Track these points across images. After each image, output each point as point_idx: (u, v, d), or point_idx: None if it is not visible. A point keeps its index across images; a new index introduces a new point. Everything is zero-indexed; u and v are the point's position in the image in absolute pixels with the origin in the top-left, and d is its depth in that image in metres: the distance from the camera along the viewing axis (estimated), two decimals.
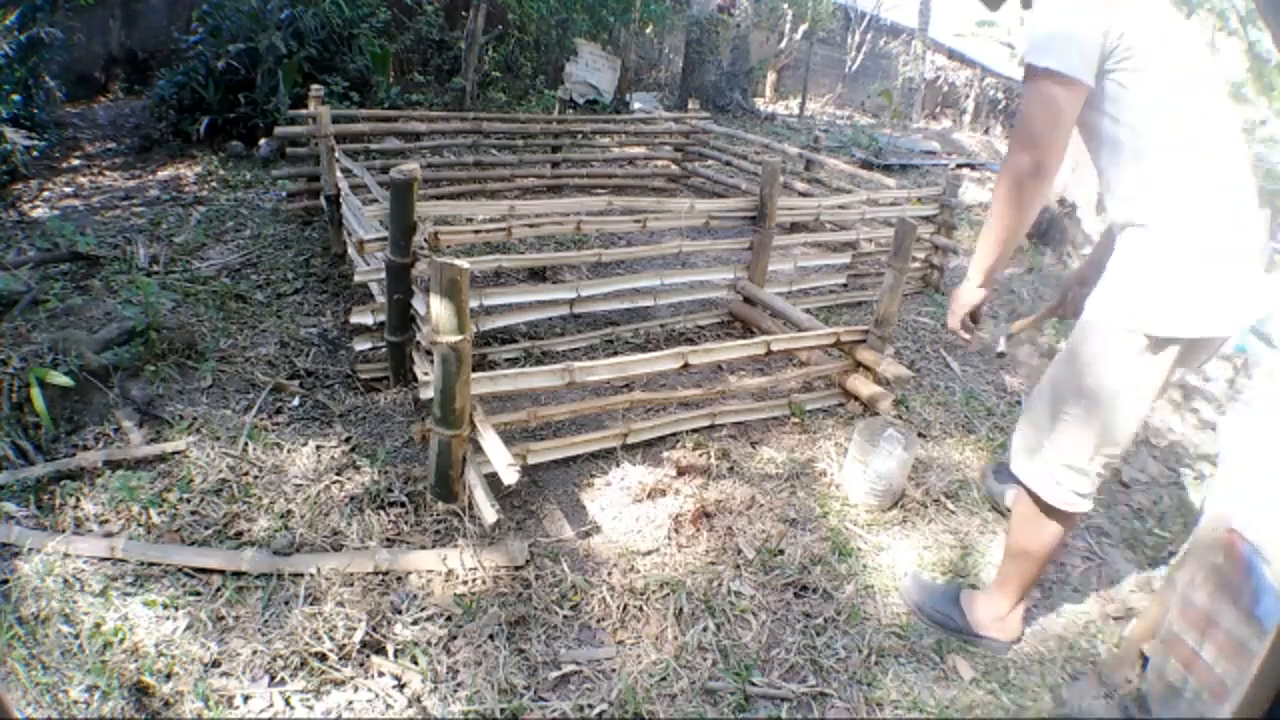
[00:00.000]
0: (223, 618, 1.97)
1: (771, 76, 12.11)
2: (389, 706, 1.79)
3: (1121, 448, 1.83)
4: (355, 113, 5.38)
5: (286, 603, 2.02)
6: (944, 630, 2.14)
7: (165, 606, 1.97)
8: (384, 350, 3.02)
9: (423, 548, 2.25)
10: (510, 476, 2.13)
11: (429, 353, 2.32)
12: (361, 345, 3.06)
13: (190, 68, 6.08)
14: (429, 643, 1.95)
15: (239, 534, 2.25)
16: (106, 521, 2.26)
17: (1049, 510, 1.91)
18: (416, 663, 1.90)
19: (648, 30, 10.77)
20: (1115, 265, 1.76)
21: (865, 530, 2.51)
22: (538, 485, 2.57)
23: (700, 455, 2.72)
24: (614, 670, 1.93)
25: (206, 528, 2.26)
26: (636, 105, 9.32)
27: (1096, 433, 1.79)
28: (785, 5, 11.68)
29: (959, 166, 8.21)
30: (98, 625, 1.88)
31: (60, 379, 2.58)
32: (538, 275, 4.02)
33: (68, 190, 5.19)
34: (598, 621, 2.08)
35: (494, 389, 2.36)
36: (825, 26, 12.46)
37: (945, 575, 2.37)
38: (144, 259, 3.95)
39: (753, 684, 1.92)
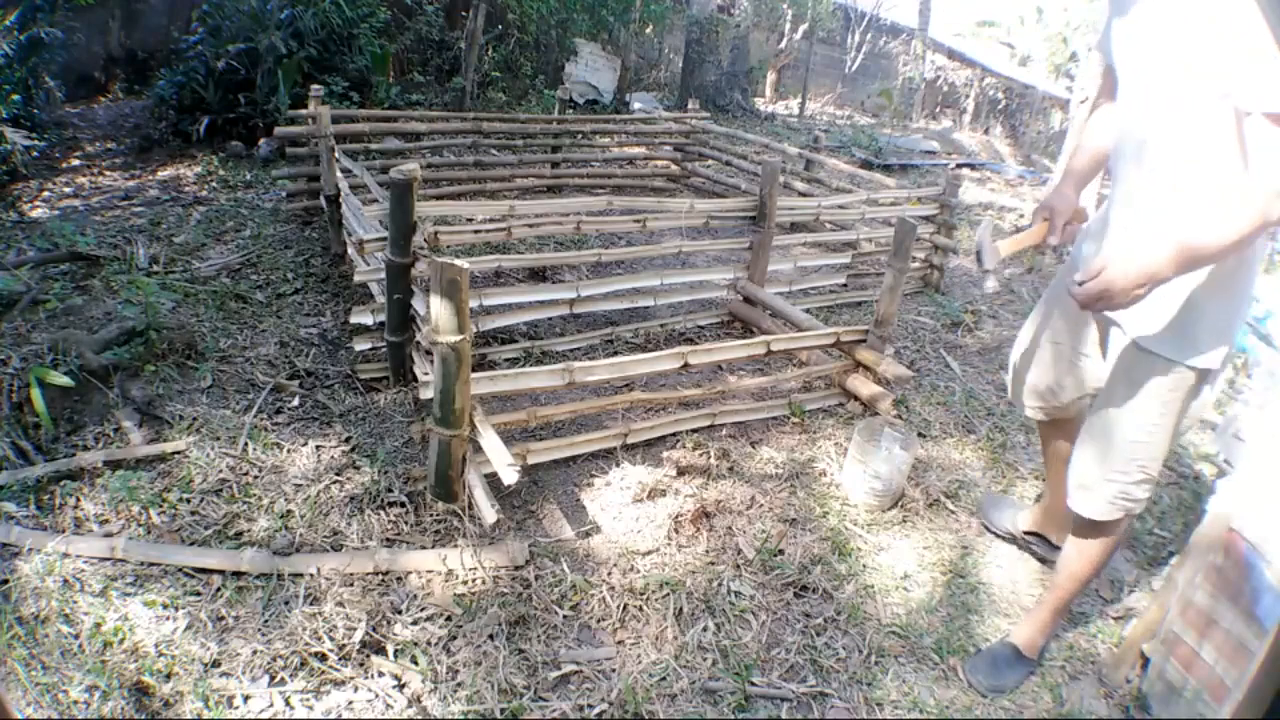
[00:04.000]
0: (223, 618, 1.97)
1: (771, 76, 12.11)
2: (389, 706, 1.79)
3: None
4: (355, 113, 5.38)
5: (286, 603, 2.02)
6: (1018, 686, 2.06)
7: (165, 606, 1.97)
8: (384, 350, 3.02)
9: (423, 548, 2.25)
10: (510, 476, 2.13)
11: (429, 353, 2.32)
12: (361, 345, 3.06)
13: (190, 68, 6.07)
14: (429, 643, 1.95)
15: (239, 534, 2.25)
16: (106, 521, 2.26)
17: (1112, 532, 1.92)
18: (416, 663, 1.90)
19: (648, 30, 10.76)
20: (1177, 311, 1.69)
21: (865, 530, 2.51)
22: (538, 485, 2.57)
23: (700, 455, 2.72)
24: (614, 670, 1.93)
25: (206, 528, 2.26)
26: (636, 105, 9.32)
27: (1164, 450, 1.84)
28: (785, 5, 11.68)
29: (959, 166, 8.22)
30: (98, 625, 1.88)
31: (60, 379, 2.58)
32: (538, 275, 4.02)
33: (68, 190, 5.19)
34: (598, 621, 2.08)
35: (494, 389, 2.36)
36: (825, 26, 12.47)
37: (945, 575, 2.37)
38: (144, 259, 3.95)
39: (753, 684, 1.92)
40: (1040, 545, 2.45)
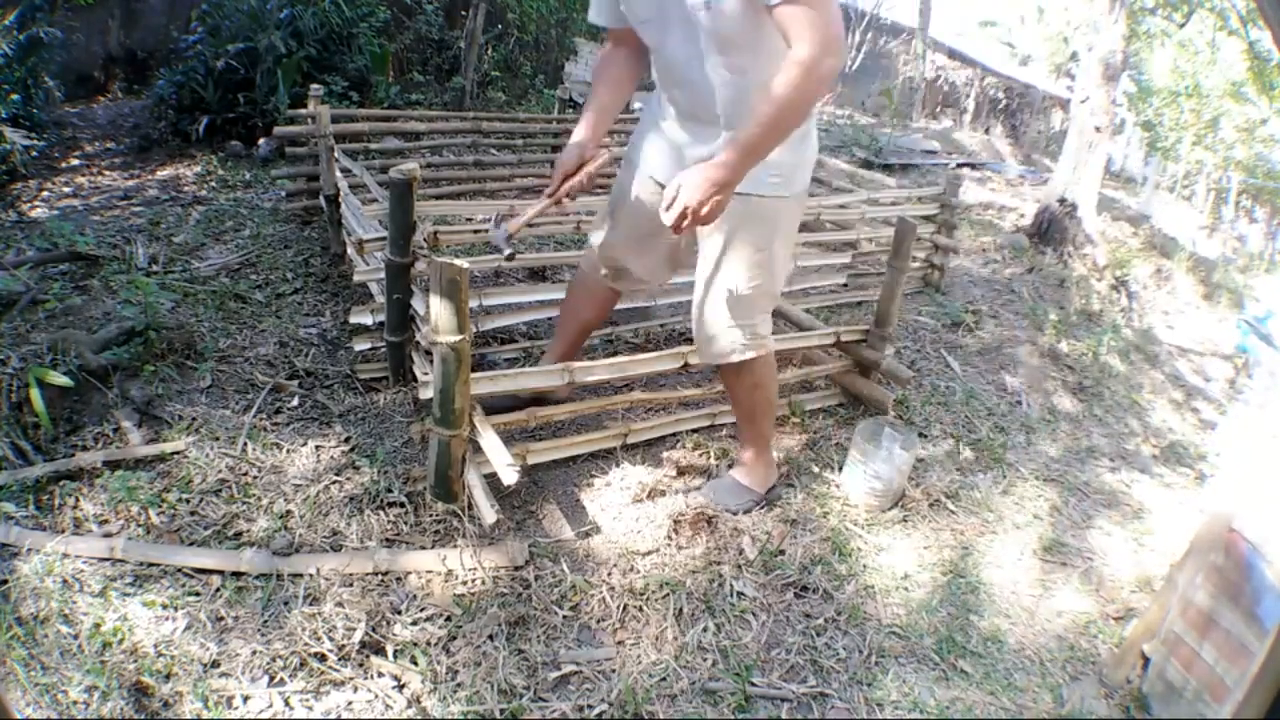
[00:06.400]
0: (222, 618, 1.96)
1: None
2: (388, 707, 1.79)
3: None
4: (354, 112, 5.37)
5: (286, 603, 2.02)
6: (752, 510, 2.49)
7: (164, 607, 1.96)
8: (383, 350, 3.01)
9: (422, 548, 2.25)
10: (510, 477, 2.13)
11: (428, 353, 2.31)
12: (361, 345, 3.05)
13: (189, 67, 6.06)
14: (428, 643, 1.95)
15: (238, 534, 2.25)
16: (106, 522, 2.26)
17: (769, 362, 2.30)
18: (416, 663, 1.89)
19: None
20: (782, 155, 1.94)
21: (865, 530, 2.51)
22: (537, 485, 2.56)
23: (700, 455, 2.72)
24: (614, 671, 1.93)
25: (206, 528, 2.25)
26: (636, 105, 9.30)
27: (783, 280, 2.25)
28: None
29: (959, 166, 8.21)
30: (97, 625, 1.88)
31: (59, 379, 2.58)
32: (537, 275, 4.02)
33: (67, 190, 5.19)
34: (597, 622, 2.07)
35: (494, 389, 2.35)
36: None
37: (945, 575, 2.37)
38: (143, 259, 3.94)
39: (753, 684, 1.92)
40: None
